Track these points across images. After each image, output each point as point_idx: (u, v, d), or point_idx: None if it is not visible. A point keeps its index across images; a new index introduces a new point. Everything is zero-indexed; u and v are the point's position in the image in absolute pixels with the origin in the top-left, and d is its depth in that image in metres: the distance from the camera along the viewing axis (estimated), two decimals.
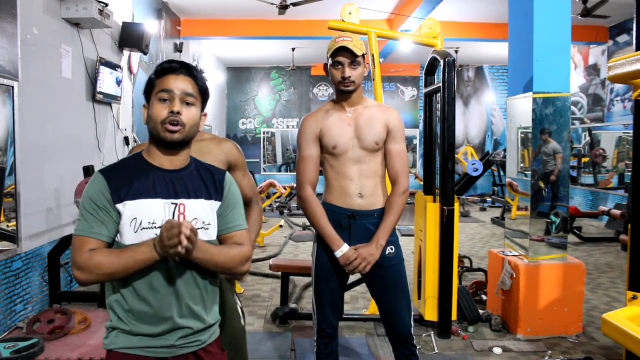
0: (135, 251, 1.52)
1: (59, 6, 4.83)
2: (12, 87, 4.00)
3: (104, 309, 4.50)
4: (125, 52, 6.49)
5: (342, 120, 2.55)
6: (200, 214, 1.65)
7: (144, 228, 1.57)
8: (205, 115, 1.85)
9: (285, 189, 11.83)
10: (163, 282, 1.60)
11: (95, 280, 1.54)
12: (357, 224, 2.54)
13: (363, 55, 2.48)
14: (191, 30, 9.50)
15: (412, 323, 2.62)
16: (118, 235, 1.59)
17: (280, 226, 9.17)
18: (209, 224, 1.67)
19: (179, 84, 1.63)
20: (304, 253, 7.20)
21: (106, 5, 5.15)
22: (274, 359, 3.66)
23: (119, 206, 1.57)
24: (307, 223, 8.97)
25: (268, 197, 10.57)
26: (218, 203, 1.70)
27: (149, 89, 1.67)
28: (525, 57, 4.12)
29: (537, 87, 4.01)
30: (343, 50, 2.45)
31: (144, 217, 1.57)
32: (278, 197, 11.72)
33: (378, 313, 4.25)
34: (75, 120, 5.23)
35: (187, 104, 1.63)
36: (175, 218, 1.59)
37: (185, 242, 1.45)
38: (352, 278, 3.08)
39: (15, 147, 4.06)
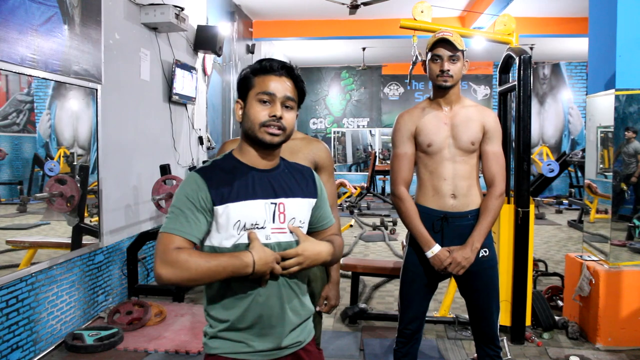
0: (227, 261, 1.48)
1: (138, 12, 5.04)
2: (96, 89, 4.22)
3: (178, 302, 4.67)
4: (200, 54, 6.68)
5: (439, 118, 2.50)
6: (298, 213, 1.64)
7: (247, 229, 1.56)
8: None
9: (355, 188, 11.86)
10: (265, 291, 1.59)
11: (179, 279, 1.46)
12: (450, 226, 2.48)
13: (463, 52, 2.42)
14: (263, 32, 9.68)
15: (498, 324, 2.58)
16: (215, 238, 1.57)
17: (351, 226, 9.19)
18: (304, 222, 1.67)
19: (281, 86, 1.59)
20: (374, 253, 7.18)
21: (182, 9, 5.32)
22: (343, 358, 3.67)
23: (219, 208, 1.54)
24: (378, 223, 8.94)
25: (338, 196, 10.61)
26: (314, 200, 1.71)
27: (246, 87, 1.62)
28: (607, 52, 3.93)
29: (621, 84, 3.81)
30: (443, 43, 2.40)
31: (247, 219, 1.55)
32: (348, 197, 11.75)
33: (448, 315, 4.23)
34: (153, 121, 5.44)
35: (287, 107, 1.60)
36: (276, 218, 1.60)
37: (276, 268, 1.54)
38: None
39: (98, 146, 4.27)
